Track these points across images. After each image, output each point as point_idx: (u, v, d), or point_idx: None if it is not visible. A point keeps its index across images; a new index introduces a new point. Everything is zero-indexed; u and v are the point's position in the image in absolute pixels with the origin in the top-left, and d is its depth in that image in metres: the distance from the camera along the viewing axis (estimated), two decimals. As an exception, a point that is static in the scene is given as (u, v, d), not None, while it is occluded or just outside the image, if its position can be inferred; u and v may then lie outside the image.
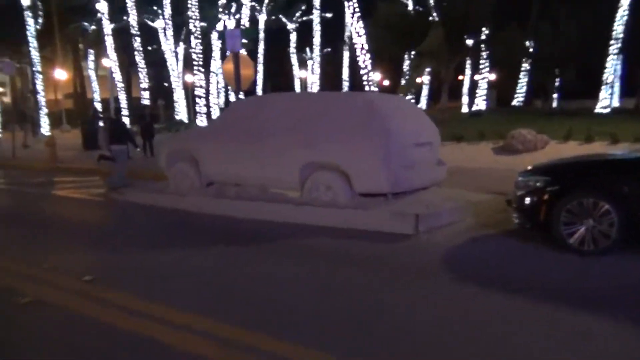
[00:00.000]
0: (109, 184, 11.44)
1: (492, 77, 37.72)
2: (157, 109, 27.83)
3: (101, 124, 21.11)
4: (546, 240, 6.07)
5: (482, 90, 32.72)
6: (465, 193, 8.81)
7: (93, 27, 37.52)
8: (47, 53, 40.90)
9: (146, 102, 27.98)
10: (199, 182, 9.48)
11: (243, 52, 13.59)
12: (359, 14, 16.95)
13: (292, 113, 8.47)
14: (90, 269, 5.68)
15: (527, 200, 6.25)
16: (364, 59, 17.04)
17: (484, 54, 31.99)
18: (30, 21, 31.06)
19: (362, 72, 17.22)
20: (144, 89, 28.06)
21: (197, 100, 24.72)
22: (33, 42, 31.30)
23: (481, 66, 32.35)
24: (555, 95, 42.16)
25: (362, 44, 16.90)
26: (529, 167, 6.73)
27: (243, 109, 9.26)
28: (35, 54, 31.53)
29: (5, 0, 31.24)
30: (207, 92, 27.99)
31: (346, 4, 16.91)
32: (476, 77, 35.20)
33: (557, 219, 5.87)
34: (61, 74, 37.20)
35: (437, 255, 5.98)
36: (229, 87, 27.23)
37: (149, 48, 35.86)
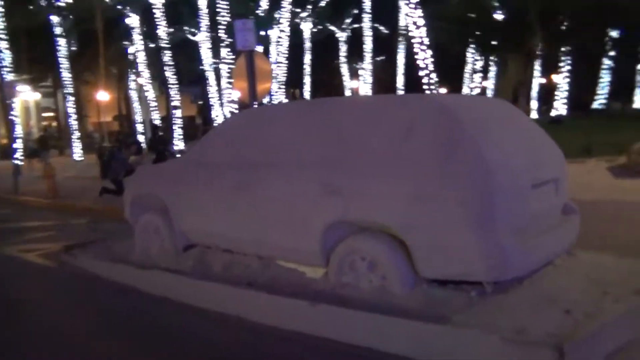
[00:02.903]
0: None
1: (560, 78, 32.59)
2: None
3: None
4: None
5: (562, 92, 28.07)
6: (613, 260, 5.02)
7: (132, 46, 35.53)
8: (88, 76, 39.51)
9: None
10: (172, 243, 6.06)
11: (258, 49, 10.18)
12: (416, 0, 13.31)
13: (312, 135, 4.92)
14: None
15: None
16: (424, 57, 13.36)
17: (564, 50, 27.38)
18: (61, 41, 28.96)
19: (421, 73, 13.55)
20: (175, 107, 25.39)
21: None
22: (65, 63, 29.15)
23: (562, 64, 27.74)
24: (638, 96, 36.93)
25: (422, 38, 13.25)
26: None
27: (237, 129, 5.78)
28: (67, 76, 29.37)
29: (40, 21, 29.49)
30: (243, 107, 25.26)
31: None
32: (554, 77, 30.58)
33: None
34: (103, 96, 35.41)
35: None
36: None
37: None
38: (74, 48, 35.07)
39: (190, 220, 5.83)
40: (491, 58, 35.72)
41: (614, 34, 31.10)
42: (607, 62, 33.55)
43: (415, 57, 13.53)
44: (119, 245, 7.04)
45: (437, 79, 13.75)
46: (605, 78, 34.70)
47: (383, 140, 4.41)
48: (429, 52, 13.57)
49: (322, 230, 4.61)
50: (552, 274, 4.45)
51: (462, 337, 3.56)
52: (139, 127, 36.31)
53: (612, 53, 33.34)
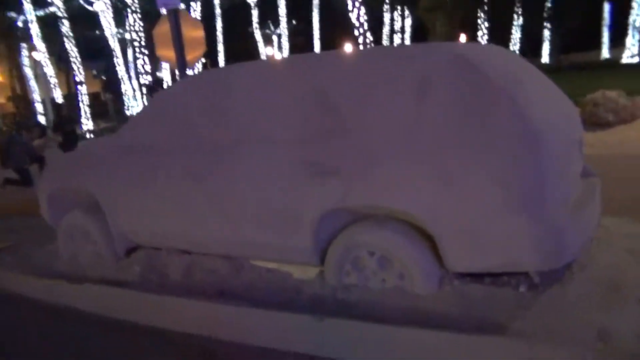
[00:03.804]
0: None
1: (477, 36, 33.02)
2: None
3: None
4: None
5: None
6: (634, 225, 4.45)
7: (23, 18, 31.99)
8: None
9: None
10: (109, 248, 4.87)
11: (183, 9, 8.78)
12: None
13: (294, 101, 3.86)
14: None
15: None
16: (358, 14, 12.40)
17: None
18: None
19: (356, 32, 12.62)
20: (79, 83, 23.04)
21: (145, 89, 19.96)
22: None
23: (479, 20, 27.91)
24: (546, 50, 38.28)
25: (356, -7, 12.27)
26: None
27: (187, 98, 4.58)
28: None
29: None
30: (158, 81, 23.28)
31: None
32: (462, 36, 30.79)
33: None
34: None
35: None
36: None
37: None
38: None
39: (133, 218, 4.65)
40: (408, 18, 35.61)
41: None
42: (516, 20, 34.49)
43: (350, 14, 12.56)
44: (39, 250, 5.71)
45: (371, 39, 12.90)
46: (515, 35, 35.86)
47: (391, 104, 3.46)
48: (363, 10, 12.64)
49: (315, 220, 3.64)
50: (595, 252, 3.75)
51: (535, 353, 2.75)
52: (39, 108, 33.12)
53: (519, 11, 34.35)
